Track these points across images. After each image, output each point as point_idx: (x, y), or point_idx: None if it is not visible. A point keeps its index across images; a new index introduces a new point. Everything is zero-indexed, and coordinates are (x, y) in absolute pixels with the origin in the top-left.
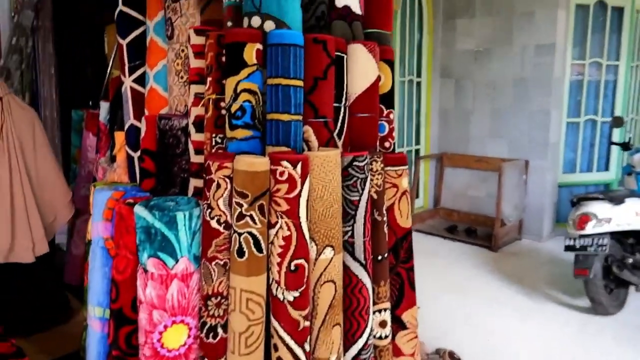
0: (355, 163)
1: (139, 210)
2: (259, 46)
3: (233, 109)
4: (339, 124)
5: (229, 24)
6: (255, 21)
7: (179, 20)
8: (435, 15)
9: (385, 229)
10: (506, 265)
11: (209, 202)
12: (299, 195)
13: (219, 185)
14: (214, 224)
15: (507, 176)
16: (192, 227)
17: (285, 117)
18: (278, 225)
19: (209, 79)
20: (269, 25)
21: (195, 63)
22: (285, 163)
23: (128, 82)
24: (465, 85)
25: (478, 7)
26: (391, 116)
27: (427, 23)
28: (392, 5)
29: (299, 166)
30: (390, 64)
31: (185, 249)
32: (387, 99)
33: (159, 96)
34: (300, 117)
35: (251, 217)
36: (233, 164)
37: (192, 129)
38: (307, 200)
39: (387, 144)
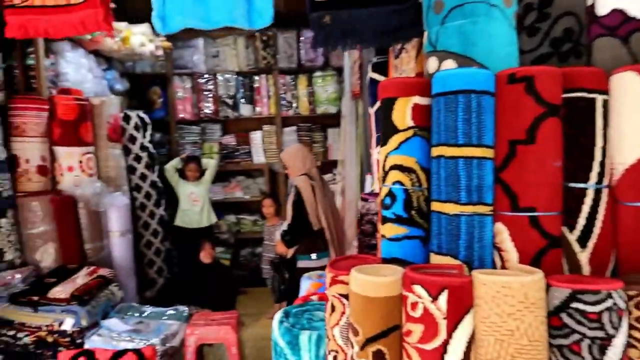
0: (574, 305)
1: (275, 317)
2: (419, 100)
3: (382, 194)
4: (582, 220)
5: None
6: (432, 64)
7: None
8: None
9: None
10: None
11: (326, 328)
12: (443, 349)
13: (333, 308)
14: None
15: None
16: (320, 355)
17: (449, 208)
18: None
19: None
20: (448, 66)
21: None
22: (418, 289)
23: (374, 154)
24: None
25: None
26: None
27: None
28: None
29: (442, 297)
30: None
31: None
32: None
33: None
34: (481, 209)
35: None
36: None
37: None
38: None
39: None
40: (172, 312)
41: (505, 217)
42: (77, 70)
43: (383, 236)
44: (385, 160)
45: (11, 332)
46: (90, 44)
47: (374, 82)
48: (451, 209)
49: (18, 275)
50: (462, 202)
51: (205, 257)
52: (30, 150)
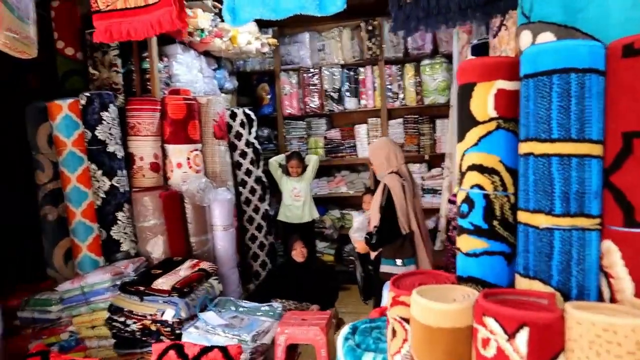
0: None
1: (341, 332)
2: (504, 85)
3: (459, 199)
4: None
5: None
6: (524, 39)
7: None
8: None
9: None
10: None
11: (388, 354)
12: None
13: (394, 333)
14: None
15: None
16: None
17: (540, 219)
18: None
19: None
20: (545, 39)
21: None
22: (490, 322)
23: None
24: None
25: None
26: None
27: None
28: None
29: (521, 336)
30: None
31: None
32: None
33: None
34: (583, 222)
35: None
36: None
37: None
38: None
39: None
40: (266, 308)
41: (616, 233)
42: (188, 71)
43: (459, 249)
44: (462, 159)
45: (121, 319)
46: (200, 45)
47: None
48: (542, 220)
49: (130, 265)
50: (556, 212)
51: (297, 256)
52: (144, 148)
